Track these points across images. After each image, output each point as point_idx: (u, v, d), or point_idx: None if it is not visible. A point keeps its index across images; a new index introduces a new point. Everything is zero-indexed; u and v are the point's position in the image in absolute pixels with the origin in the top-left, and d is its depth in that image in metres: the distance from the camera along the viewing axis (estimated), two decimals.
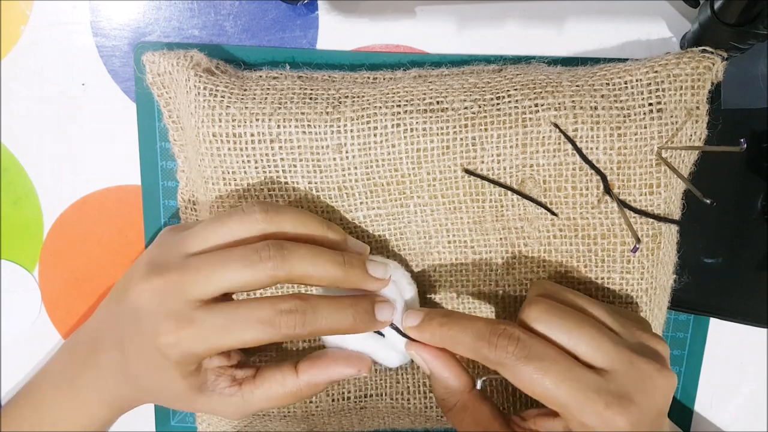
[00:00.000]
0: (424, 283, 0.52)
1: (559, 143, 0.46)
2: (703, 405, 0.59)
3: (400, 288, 0.48)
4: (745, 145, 0.39)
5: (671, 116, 0.46)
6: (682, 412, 0.59)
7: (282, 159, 0.48)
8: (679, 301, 0.53)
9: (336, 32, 0.54)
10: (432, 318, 0.46)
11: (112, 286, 0.56)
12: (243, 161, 0.48)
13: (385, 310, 0.46)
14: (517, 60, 0.52)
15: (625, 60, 0.49)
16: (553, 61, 0.52)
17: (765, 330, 0.57)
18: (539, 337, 0.42)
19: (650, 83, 0.46)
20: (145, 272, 0.45)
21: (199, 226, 0.45)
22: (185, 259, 0.44)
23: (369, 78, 0.51)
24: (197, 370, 0.45)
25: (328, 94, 0.48)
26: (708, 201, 0.41)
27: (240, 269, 0.42)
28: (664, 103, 0.46)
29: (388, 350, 0.49)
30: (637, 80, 0.46)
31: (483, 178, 0.47)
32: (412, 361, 0.49)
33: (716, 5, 0.46)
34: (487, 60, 0.52)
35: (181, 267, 0.44)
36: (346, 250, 0.47)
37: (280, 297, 0.43)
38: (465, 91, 0.47)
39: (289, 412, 0.54)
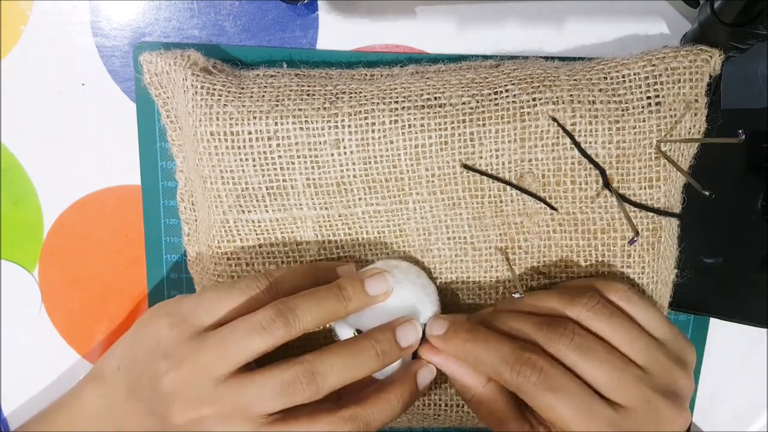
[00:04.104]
0: None
1: (558, 137, 0.46)
2: (703, 405, 0.59)
3: (416, 290, 0.49)
4: (743, 136, 0.39)
5: (670, 109, 0.46)
6: None
7: (280, 156, 0.48)
8: (679, 302, 0.52)
9: (336, 32, 0.54)
10: (457, 332, 0.47)
11: (112, 286, 0.56)
12: (241, 159, 0.48)
13: (408, 332, 0.47)
14: (515, 59, 0.52)
15: None
16: (551, 58, 0.51)
17: (765, 330, 0.57)
18: (562, 368, 0.43)
19: (648, 77, 0.46)
20: (167, 366, 0.45)
21: (207, 302, 0.47)
22: (200, 342, 0.45)
23: (366, 75, 0.51)
24: None
25: (326, 90, 0.48)
26: (707, 193, 0.41)
27: (255, 339, 0.44)
28: (663, 97, 0.46)
29: None
30: (634, 74, 0.46)
31: (482, 173, 0.47)
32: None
33: (716, 5, 0.46)
34: (486, 58, 0.52)
35: (199, 348, 0.45)
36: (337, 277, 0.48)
37: (287, 366, 0.44)
38: (462, 87, 0.47)
39: None
